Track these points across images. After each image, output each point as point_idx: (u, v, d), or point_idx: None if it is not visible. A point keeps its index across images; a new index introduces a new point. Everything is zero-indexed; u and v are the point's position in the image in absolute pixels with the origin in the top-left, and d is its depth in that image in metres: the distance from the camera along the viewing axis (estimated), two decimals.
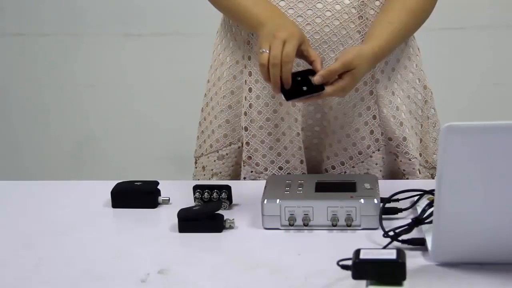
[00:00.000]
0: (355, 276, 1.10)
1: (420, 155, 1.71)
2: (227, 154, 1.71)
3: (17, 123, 3.38)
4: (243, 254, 1.30)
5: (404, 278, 1.09)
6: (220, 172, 1.72)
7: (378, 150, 1.66)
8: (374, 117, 1.65)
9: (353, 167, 1.66)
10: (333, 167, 1.67)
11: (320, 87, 1.47)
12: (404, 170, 1.68)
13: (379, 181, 1.47)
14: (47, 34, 3.27)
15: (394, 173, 1.69)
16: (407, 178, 1.67)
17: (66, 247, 1.36)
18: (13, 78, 3.34)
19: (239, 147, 1.70)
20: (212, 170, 1.72)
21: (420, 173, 1.69)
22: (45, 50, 3.29)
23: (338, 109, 1.63)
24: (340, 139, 1.65)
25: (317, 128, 1.66)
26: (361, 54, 1.50)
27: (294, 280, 1.20)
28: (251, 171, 1.67)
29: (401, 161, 1.67)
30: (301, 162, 1.66)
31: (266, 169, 1.66)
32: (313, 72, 1.48)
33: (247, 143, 1.67)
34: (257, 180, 1.66)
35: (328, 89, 1.47)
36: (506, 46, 3.15)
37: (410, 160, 1.66)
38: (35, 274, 1.25)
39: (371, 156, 1.66)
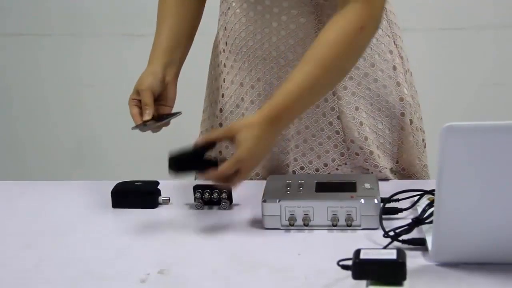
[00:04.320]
0: (355, 276, 1.10)
1: (397, 162, 1.67)
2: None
3: (18, 123, 3.38)
4: (243, 254, 1.30)
5: (404, 278, 1.09)
6: None
7: (345, 164, 1.63)
8: (337, 132, 1.61)
9: None
10: None
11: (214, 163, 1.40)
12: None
13: (379, 181, 1.47)
14: (47, 34, 3.27)
15: None
16: None
17: (66, 247, 1.36)
18: (13, 78, 3.34)
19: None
20: None
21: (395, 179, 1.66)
22: (46, 50, 3.29)
23: (299, 123, 1.61)
24: (304, 153, 1.63)
25: (281, 142, 1.64)
26: (238, 124, 1.40)
27: (294, 280, 1.20)
28: None
29: (372, 172, 1.63)
30: (257, 174, 1.65)
31: None
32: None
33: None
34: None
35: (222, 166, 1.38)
36: (506, 46, 3.15)
37: (381, 171, 1.63)
38: (35, 274, 1.25)
39: (337, 169, 1.63)
